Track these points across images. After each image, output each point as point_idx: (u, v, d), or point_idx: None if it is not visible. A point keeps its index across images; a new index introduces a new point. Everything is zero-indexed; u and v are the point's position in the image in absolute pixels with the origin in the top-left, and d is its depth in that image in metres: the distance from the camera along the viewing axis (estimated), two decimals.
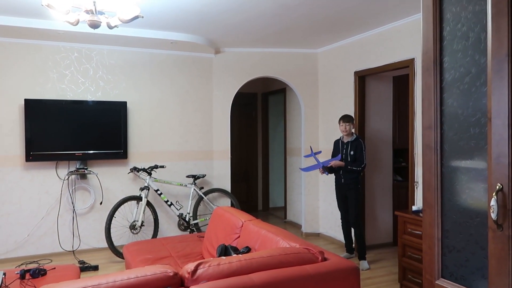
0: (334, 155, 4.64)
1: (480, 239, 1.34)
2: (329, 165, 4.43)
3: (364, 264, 4.35)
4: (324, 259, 2.29)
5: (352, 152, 4.40)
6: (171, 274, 1.92)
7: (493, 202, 1.22)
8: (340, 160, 4.42)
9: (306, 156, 5.14)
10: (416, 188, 4.12)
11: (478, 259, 1.35)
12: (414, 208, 3.69)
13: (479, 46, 1.37)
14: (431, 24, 1.54)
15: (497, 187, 1.23)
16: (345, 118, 4.45)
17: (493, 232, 1.25)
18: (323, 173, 4.53)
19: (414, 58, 4.10)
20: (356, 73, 4.95)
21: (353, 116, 4.86)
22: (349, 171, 4.40)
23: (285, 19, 4.17)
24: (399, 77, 5.12)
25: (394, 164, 5.30)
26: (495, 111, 1.25)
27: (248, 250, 2.71)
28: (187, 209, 5.10)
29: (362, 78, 4.96)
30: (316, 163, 4.53)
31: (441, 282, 1.48)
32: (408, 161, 4.31)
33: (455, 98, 1.46)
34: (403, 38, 4.24)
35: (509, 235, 1.20)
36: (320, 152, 4.88)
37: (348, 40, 5.06)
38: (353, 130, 4.56)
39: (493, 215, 1.22)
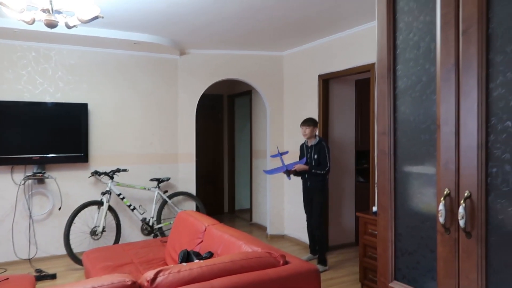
0: (300, 159, 4.68)
1: (430, 242, 1.38)
2: (293, 169, 4.46)
3: (320, 268, 4.40)
4: (286, 263, 2.30)
5: (316, 156, 4.45)
6: (129, 283, 1.87)
7: (441, 206, 1.27)
8: (305, 164, 4.47)
9: (273, 156, 5.12)
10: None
11: (428, 262, 1.39)
12: (374, 209, 3.77)
13: (429, 55, 1.41)
14: (385, 33, 1.58)
15: (445, 192, 1.27)
16: (305, 122, 4.49)
17: (441, 236, 1.30)
18: (287, 176, 4.55)
19: (375, 63, 4.20)
20: (320, 76, 5.03)
21: (317, 119, 4.91)
22: (314, 175, 4.44)
23: (251, 21, 4.18)
24: (361, 80, 5.24)
25: (356, 165, 5.42)
26: (444, 118, 1.30)
27: (210, 255, 2.69)
28: (151, 213, 5.01)
29: (326, 81, 5.05)
30: (281, 164, 4.55)
31: (394, 284, 1.52)
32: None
33: (407, 105, 1.51)
34: (365, 43, 4.34)
35: (455, 238, 1.25)
36: (287, 152, 4.89)
37: (312, 43, 5.13)
38: (316, 133, 4.61)
39: (441, 219, 1.27)
